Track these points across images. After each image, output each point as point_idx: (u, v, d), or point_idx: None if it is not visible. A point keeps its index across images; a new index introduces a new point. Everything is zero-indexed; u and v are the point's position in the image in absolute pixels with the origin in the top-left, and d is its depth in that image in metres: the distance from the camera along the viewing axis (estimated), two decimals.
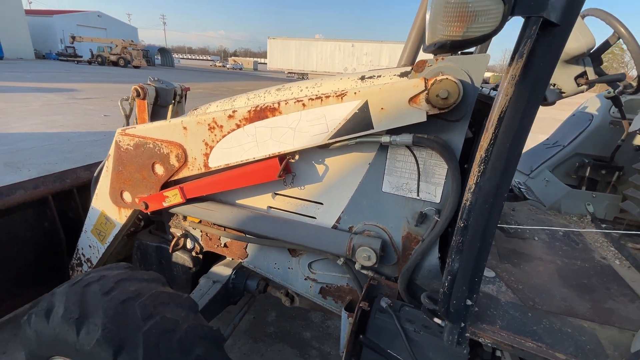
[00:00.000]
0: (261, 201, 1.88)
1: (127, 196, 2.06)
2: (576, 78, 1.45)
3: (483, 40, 0.71)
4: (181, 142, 1.76)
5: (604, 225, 1.95)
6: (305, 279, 1.95)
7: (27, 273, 2.43)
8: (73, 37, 33.96)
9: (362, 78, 1.52)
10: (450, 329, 1.13)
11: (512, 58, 0.78)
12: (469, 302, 1.07)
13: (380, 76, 1.49)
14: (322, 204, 1.74)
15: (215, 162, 1.72)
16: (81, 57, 37.93)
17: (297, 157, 1.59)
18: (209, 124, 1.65)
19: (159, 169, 1.88)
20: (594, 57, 1.50)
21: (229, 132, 1.63)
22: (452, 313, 1.09)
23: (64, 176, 2.49)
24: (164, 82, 2.53)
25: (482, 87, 1.79)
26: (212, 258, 2.31)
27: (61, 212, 2.52)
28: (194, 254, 2.29)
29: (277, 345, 2.63)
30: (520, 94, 0.86)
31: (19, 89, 14.50)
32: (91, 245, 2.43)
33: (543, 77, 0.84)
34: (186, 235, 2.22)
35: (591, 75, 1.42)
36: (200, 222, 2.02)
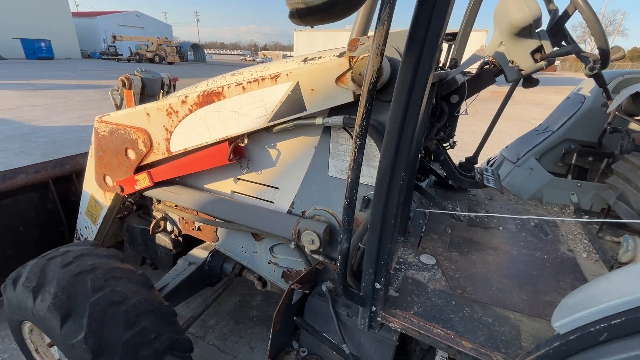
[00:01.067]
0: (225, 185, 1.94)
1: (109, 180, 2.20)
2: (533, 53, 1.33)
3: (336, 13, 0.67)
4: (146, 128, 1.85)
5: (586, 217, 1.78)
6: (269, 263, 1.99)
7: (33, 250, 2.68)
8: (114, 37, 36.12)
9: (305, 60, 1.50)
10: (362, 312, 1.11)
11: (375, 26, 0.74)
12: (377, 286, 1.05)
13: (321, 57, 1.46)
14: (278, 188, 1.76)
15: (175, 147, 1.79)
16: (121, 55, 40.28)
17: (246, 140, 1.61)
18: (166, 110, 1.72)
19: (131, 154, 1.98)
20: (554, 29, 1.36)
21: (183, 117, 1.68)
22: (361, 297, 1.08)
23: (64, 162, 2.70)
24: (151, 73, 2.65)
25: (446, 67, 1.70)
26: (198, 241, 2.41)
27: (62, 195, 2.74)
28: (173, 236, 2.40)
29: (257, 328, 2.71)
30: (406, 66, 0.82)
31: (64, 86, 15.73)
32: (87, 226, 2.62)
33: (429, 46, 0.79)
34: (165, 218, 2.33)
35: (548, 48, 1.29)
36: (176, 206, 2.11)
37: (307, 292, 1.45)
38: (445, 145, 1.85)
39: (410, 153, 0.89)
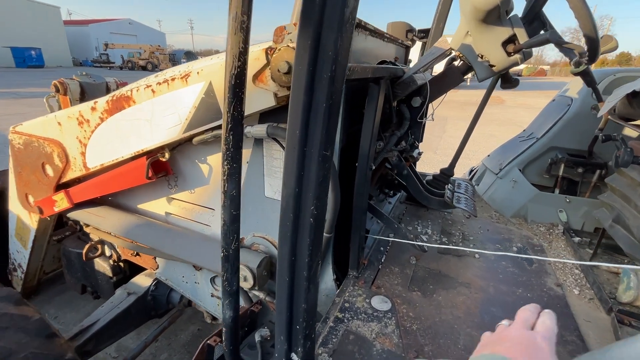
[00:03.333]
0: (158, 206, 1.65)
1: (31, 199, 1.91)
2: (504, 44, 1.08)
3: None
4: (60, 140, 1.56)
5: (578, 240, 1.52)
6: (212, 296, 1.70)
7: None
8: (106, 45, 35.84)
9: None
10: None
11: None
12: (294, 357, 0.76)
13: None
14: (213, 209, 1.48)
15: (92, 163, 1.50)
16: (113, 62, 39.94)
17: (167, 154, 1.33)
18: (77, 118, 1.44)
19: (49, 170, 1.70)
20: (530, 15, 1.11)
21: (96, 127, 1.40)
22: None
23: None
24: (93, 77, 2.36)
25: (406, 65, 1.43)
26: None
27: None
28: (112, 261, 2.11)
29: None
30: (301, 52, 0.55)
31: (48, 94, 15.38)
32: (18, 250, 2.31)
33: (329, 22, 0.52)
34: (103, 241, 2.03)
35: (522, 38, 1.04)
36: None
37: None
38: (414, 155, 1.58)
39: (323, 174, 0.62)
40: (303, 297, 0.71)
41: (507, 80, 1.52)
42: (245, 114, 1.05)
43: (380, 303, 1.09)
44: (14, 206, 2.05)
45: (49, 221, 2.03)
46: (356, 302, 1.09)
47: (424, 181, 1.93)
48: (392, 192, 1.92)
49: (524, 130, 2.13)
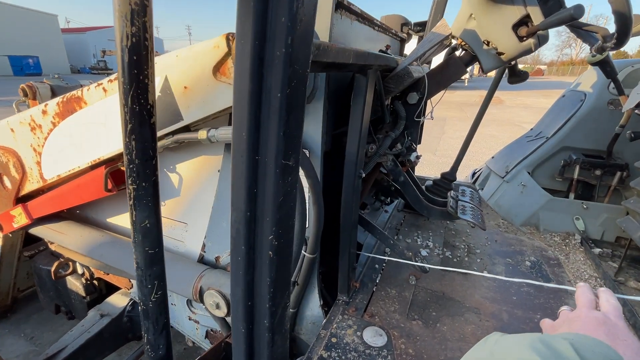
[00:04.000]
0: (127, 220, 1.48)
1: None
2: (515, 28, 0.91)
3: None
4: (14, 148, 1.40)
5: (598, 251, 1.34)
6: (189, 319, 1.52)
7: None
8: (104, 52, 35.84)
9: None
10: None
11: None
12: None
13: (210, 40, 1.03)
14: (186, 224, 1.31)
15: (48, 174, 1.33)
16: (111, 69, 39.93)
17: None
18: (29, 124, 1.27)
19: (7, 182, 1.52)
20: None
21: (49, 133, 1.23)
22: None
23: None
24: (65, 79, 2.20)
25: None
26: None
27: None
28: (84, 280, 1.94)
29: None
30: (242, 28, 0.38)
31: None
32: None
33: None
34: (73, 259, 1.86)
35: (537, 18, 0.87)
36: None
37: None
38: (412, 160, 1.41)
39: (285, 190, 0.45)
40: (266, 353, 0.53)
41: (515, 73, 1.35)
42: (209, 113, 0.89)
43: (373, 337, 0.92)
44: None
45: (13, 237, 1.86)
46: (345, 336, 0.92)
47: (424, 186, 1.75)
48: (388, 199, 1.74)
49: (531, 130, 1.96)
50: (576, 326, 0.48)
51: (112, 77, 1.00)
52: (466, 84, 22.52)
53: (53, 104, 1.16)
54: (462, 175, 4.54)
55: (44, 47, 36.29)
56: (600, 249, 1.35)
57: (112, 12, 0.32)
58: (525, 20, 0.90)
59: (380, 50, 1.06)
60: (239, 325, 0.53)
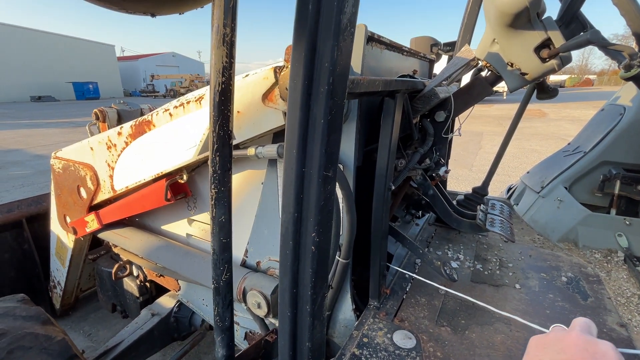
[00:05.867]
0: (180, 227, 1.66)
1: (68, 220, 2.02)
2: (537, 50, 0.97)
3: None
4: (92, 164, 1.64)
5: None
6: None
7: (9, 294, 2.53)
8: (152, 76, 39.35)
9: (247, 76, 1.23)
10: None
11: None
12: None
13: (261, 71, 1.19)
14: None
15: (118, 185, 1.55)
16: (158, 92, 43.50)
17: (185, 176, 1.34)
18: (106, 143, 1.51)
19: (83, 192, 1.79)
20: (566, 16, 1.00)
21: (121, 151, 1.46)
22: None
23: (40, 199, 2.58)
24: (129, 104, 2.52)
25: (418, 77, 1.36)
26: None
27: (40, 235, 2.60)
28: (139, 281, 2.15)
29: None
30: (295, 68, 0.51)
31: None
32: (57, 268, 2.44)
33: (325, 32, 0.48)
34: (131, 261, 2.09)
35: (558, 41, 0.93)
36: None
37: None
38: (440, 174, 1.46)
39: (325, 197, 0.56)
40: (307, 335, 0.63)
41: (544, 90, 1.38)
42: (257, 134, 1.03)
43: (403, 339, 0.97)
44: (55, 226, 2.18)
45: (83, 241, 2.12)
46: (376, 337, 0.98)
47: (456, 201, 1.78)
48: (420, 213, 1.79)
49: (568, 144, 1.92)
50: (563, 348, 0.46)
51: (177, 103, 1.18)
52: (505, 97, 21.64)
53: (127, 127, 1.37)
54: (498, 191, 4.40)
55: (102, 74, 40.49)
56: None
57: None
58: (547, 43, 0.96)
59: (408, 75, 1.15)
60: (285, 310, 0.63)
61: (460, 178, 6.00)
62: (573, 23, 0.99)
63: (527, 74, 1.03)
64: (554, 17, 1.04)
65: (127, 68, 48.36)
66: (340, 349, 0.96)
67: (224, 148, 0.48)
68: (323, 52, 0.49)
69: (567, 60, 0.98)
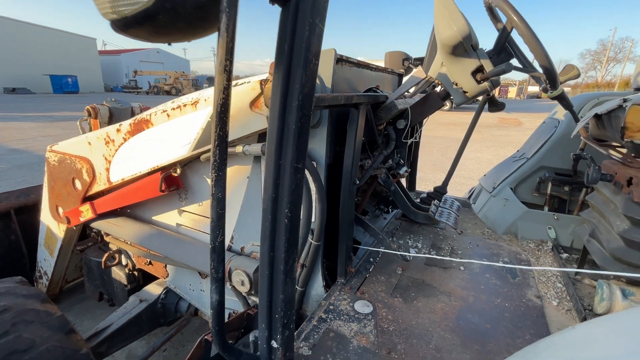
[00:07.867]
0: (170, 217, 1.82)
1: (61, 211, 2.12)
2: (474, 74, 1.21)
3: (161, 26, 0.56)
4: (88, 157, 1.78)
5: (565, 256, 1.55)
6: None
7: None
8: (135, 72, 38.47)
9: (237, 85, 1.42)
10: None
11: (217, 40, 0.63)
12: (274, 344, 0.87)
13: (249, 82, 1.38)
14: None
15: (114, 177, 1.70)
16: (141, 88, 42.55)
17: (178, 170, 1.51)
18: (104, 139, 1.65)
19: (78, 184, 1.91)
20: (497, 48, 1.24)
21: (119, 146, 1.61)
22: (257, 356, 0.90)
23: (30, 191, 2.65)
24: (120, 102, 2.64)
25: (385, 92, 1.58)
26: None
27: (28, 227, 2.67)
28: (127, 270, 2.28)
29: None
30: (276, 84, 0.71)
31: (80, 117, 16.49)
32: (45, 258, 2.52)
33: (297, 59, 0.68)
34: (120, 251, 2.21)
35: (488, 68, 1.17)
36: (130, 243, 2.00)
37: (230, 342, 1.26)
38: (401, 173, 1.69)
39: (295, 182, 0.75)
40: (281, 289, 0.83)
41: (493, 103, 1.64)
42: (245, 134, 1.22)
43: (362, 307, 1.19)
44: (45, 217, 2.27)
45: (74, 231, 2.23)
46: (340, 305, 1.19)
47: (419, 198, 2.02)
48: (388, 208, 2.02)
49: (517, 151, 2.21)
50: None
51: (174, 105, 1.36)
52: (451, 109, 22.32)
53: (126, 124, 1.53)
54: (462, 192, 4.71)
55: (82, 68, 39.11)
56: (567, 254, 1.56)
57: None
58: (480, 69, 1.20)
59: (372, 89, 1.38)
60: (265, 269, 0.83)
61: (438, 182, 6.32)
62: (502, 53, 1.24)
63: (467, 92, 1.27)
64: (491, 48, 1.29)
65: (109, 62, 46.94)
66: (310, 314, 1.16)
67: (221, 144, 0.67)
68: (295, 76, 0.70)
69: (496, 83, 1.22)
